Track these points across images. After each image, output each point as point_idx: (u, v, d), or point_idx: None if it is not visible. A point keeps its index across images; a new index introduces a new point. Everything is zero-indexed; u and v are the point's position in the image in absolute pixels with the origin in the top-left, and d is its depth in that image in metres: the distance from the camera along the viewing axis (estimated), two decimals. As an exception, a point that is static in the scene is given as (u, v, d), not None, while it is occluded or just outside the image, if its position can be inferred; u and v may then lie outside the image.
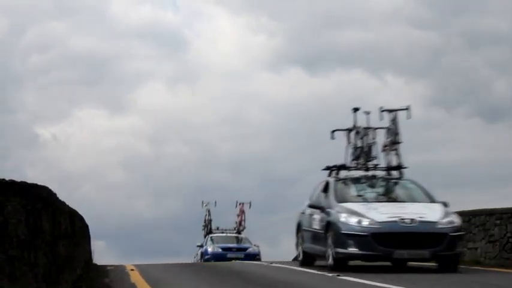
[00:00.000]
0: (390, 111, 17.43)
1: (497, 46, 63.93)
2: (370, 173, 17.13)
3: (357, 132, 17.47)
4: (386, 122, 17.46)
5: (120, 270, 17.51)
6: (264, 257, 31.75)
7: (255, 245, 33.92)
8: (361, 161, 17.25)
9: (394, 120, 17.34)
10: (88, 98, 72.36)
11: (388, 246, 14.55)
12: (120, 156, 70.32)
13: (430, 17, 63.95)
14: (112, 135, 72.07)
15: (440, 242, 14.64)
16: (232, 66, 71.15)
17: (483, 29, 62.15)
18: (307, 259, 17.22)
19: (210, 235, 35.65)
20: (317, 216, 16.27)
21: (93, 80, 70.51)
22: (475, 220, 17.85)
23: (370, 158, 17.27)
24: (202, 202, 38.49)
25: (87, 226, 17.84)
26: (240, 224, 36.73)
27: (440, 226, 14.81)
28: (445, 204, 15.69)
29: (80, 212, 15.33)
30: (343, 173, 17.26)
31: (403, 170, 17.04)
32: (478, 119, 66.71)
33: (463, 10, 64.88)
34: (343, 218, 15.03)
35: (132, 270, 17.16)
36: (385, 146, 17.38)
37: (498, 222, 17.29)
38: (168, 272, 17.13)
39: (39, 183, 8.20)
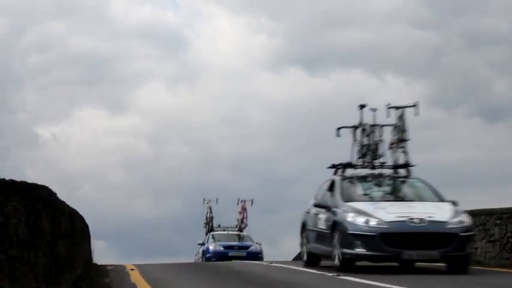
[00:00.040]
0: (397, 108, 17.01)
1: (497, 46, 64.02)
2: (376, 171, 16.74)
3: (363, 130, 17.06)
4: (393, 119, 17.07)
5: (120, 270, 17.45)
6: (264, 257, 31.55)
7: (257, 243, 33.36)
8: (368, 159, 16.85)
9: (401, 117, 16.93)
10: (88, 98, 72.49)
11: (397, 247, 14.16)
12: (120, 156, 70.43)
13: (430, 17, 64.04)
14: (112, 135, 72.19)
15: (450, 242, 14.25)
16: (232, 66, 71.29)
17: (483, 29, 62.21)
18: (312, 259, 16.83)
19: (212, 233, 35.14)
20: (323, 215, 15.88)
21: (93, 80, 70.64)
22: (475, 220, 17.44)
23: (376, 155, 16.87)
24: (204, 199, 38.17)
25: (87, 226, 17.80)
26: (242, 221, 36.21)
27: (450, 226, 14.42)
28: (454, 203, 15.30)
29: (80, 212, 15.32)
30: (348, 172, 16.89)
31: (411, 168, 16.64)
32: (478, 119, 66.74)
33: (463, 10, 64.97)
34: (350, 217, 14.64)
35: (132, 270, 17.11)
36: (392, 143, 16.97)
37: (498, 222, 17.09)
38: (168, 271, 17.05)
39: (39, 183, 8.21)
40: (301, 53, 68.53)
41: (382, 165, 16.81)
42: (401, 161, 16.81)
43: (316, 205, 16.34)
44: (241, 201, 36.66)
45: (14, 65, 67.20)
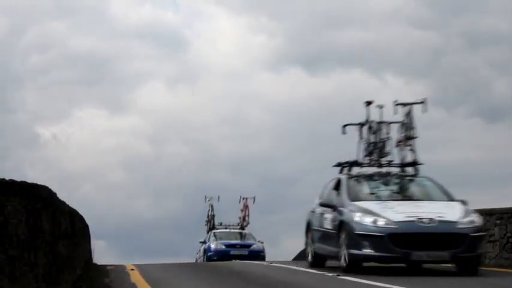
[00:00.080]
0: (405, 104, 16.59)
1: (497, 46, 64.08)
2: (383, 169, 16.33)
3: (370, 127, 16.64)
4: (400, 116, 16.65)
5: (120, 270, 17.37)
6: (266, 256, 31.13)
7: (259, 241, 32.73)
8: (375, 157, 16.43)
9: (408, 114, 16.50)
10: (88, 98, 72.56)
11: (406, 248, 13.75)
12: (120, 156, 70.42)
13: (430, 17, 64.09)
14: (112, 135, 72.18)
15: (460, 243, 13.84)
16: (232, 66, 71.25)
17: (483, 29, 62.17)
18: (317, 260, 16.41)
19: (213, 231, 34.56)
20: (329, 215, 15.47)
21: (93, 80, 70.68)
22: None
23: (383, 153, 16.45)
24: (205, 197, 37.67)
25: (87, 226, 17.74)
26: (244, 219, 35.71)
27: (460, 226, 14.01)
28: (464, 203, 14.89)
29: (80, 212, 15.28)
30: (355, 170, 16.49)
31: (419, 166, 16.23)
32: (478, 119, 66.76)
33: (463, 10, 65.00)
34: (357, 217, 14.24)
35: (132, 270, 17.03)
36: (399, 141, 16.54)
37: (498, 222, 16.86)
38: (168, 271, 16.96)
39: (39, 183, 8.24)
40: (301, 53, 68.71)
41: (390, 164, 16.39)
42: (408, 159, 16.39)
43: (322, 204, 15.93)
44: (243, 199, 36.23)
45: (14, 65, 67.50)
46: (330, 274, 13.95)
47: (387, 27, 66.07)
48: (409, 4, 65.02)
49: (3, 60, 67.12)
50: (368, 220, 14.07)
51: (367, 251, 13.97)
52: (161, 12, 77.12)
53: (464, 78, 63.38)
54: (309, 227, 16.95)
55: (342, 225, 14.60)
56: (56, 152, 67.52)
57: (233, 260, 26.57)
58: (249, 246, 32.00)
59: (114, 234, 59.78)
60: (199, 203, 37.85)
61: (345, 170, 16.51)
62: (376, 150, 16.48)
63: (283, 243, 50.78)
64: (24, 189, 7.28)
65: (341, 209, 14.91)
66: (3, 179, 6.65)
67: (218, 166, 65.91)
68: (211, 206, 37.09)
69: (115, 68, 70.89)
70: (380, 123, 16.64)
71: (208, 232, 35.46)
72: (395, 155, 16.56)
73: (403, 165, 16.35)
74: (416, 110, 16.63)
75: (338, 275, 13.53)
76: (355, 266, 14.19)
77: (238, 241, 32.72)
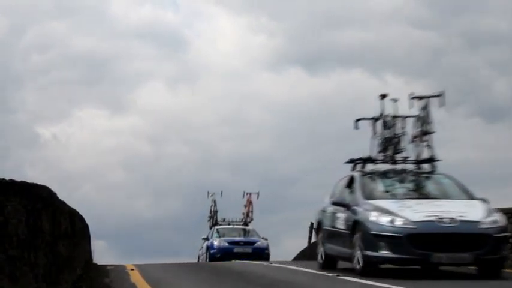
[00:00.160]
0: (421, 98, 15.71)
1: (497, 46, 64.11)
2: (398, 166, 15.48)
3: (384, 122, 15.79)
4: (416, 110, 15.78)
5: (120, 270, 17.39)
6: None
7: (263, 238, 31.76)
8: (389, 153, 15.58)
9: (425, 108, 15.63)
10: (88, 98, 72.74)
11: (425, 249, 12.93)
12: (120, 156, 70.41)
13: (430, 17, 64.12)
14: (112, 135, 72.16)
15: (483, 244, 13.03)
16: (232, 66, 71.36)
17: (483, 29, 62.16)
18: (328, 261, 15.59)
19: (216, 227, 33.68)
20: (341, 214, 14.65)
21: (93, 80, 70.90)
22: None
23: (398, 149, 15.60)
24: (208, 192, 36.94)
25: (87, 226, 17.74)
26: (248, 215, 34.84)
27: (483, 226, 13.18)
28: (485, 201, 14.07)
29: (80, 212, 15.28)
30: (368, 167, 15.65)
31: (436, 163, 15.38)
32: (478, 119, 66.54)
33: (463, 10, 65.01)
34: (372, 217, 13.43)
35: (132, 270, 17.05)
36: (415, 136, 15.66)
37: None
38: (168, 272, 16.94)
39: (39, 183, 8.32)
40: (301, 53, 68.84)
41: (405, 160, 15.54)
42: (424, 155, 15.54)
43: (335, 203, 15.10)
44: (247, 194, 35.42)
45: (14, 65, 67.87)
46: (330, 274, 13.76)
47: (387, 27, 66.26)
48: (409, 4, 65.27)
49: (3, 60, 67.62)
50: (385, 220, 13.27)
51: (384, 252, 13.17)
52: (161, 12, 77.46)
53: (464, 78, 63.21)
54: (319, 226, 16.16)
55: (356, 225, 13.80)
56: (56, 152, 67.87)
57: (233, 260, 25.83)
58: (253, 243, 31.01)
59: (114, 234, 59.75)
60: (199, 203, 37.43)
61: (358, 167, 15.67)
62: (390, 146, 15.62)
63: (283, 243, 50.40)
64: (24, 189, 7.35)
65: (355, 208, 14.11)
66: (3, 179, 6.72)
67: (218, 166, 65.75)
68: (214, 202, 36.32)
69: (115, 68, 71.17)
70: (395, 117, 15.78)
71: (211, 228, 34.66)
72: (410, 151, 15.73)
73: (419, 161, 15.50)
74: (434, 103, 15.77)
75: (338, 275, 13.25)
76: (371, 269, 13.38)
77: (241, 238, 31.73)
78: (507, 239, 13.81)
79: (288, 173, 63.07)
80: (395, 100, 15.96)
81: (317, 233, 16.38)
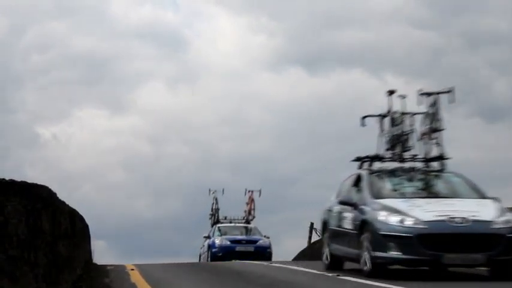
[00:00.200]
0: (429, 94, 15.30)
1: (497, 46, 63.89)
2: (407, 164, 15.08)
3: (392, 119, 15.38)
4: (424, 106, 15.36)
5: (120, 270, 17.37)
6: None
7: (265, 236, 31.33)
8: (397, 151, 15.17)
9: (434, 105, 15.21)
10: (88, 98, 72.57)
11: (436, 250, 12.54)
12: (120, 156, 70.31)
13: (430, 17, 63.89)
14: (112, 135, 72.06)
15: (496, 244, 12.63)
16: (232, 66, 71.17)
17: (483, 29, 61.84)
18: (334, 262, 15.20)
19: (218, 225, 33.25)
20: (348, 214, 14.25)
21: (93, 80, 70.74)
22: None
23: (406, 147, 15.19)
24: (209, 190, 36.69)
25: (87, 226, 17.68)
26: (250, 213, 34.46)
27: (496, 226, 12.79)
28: (497, 200, 13.67)
29: (80, 212, 15.24)
30: (375, 165, 15.25)
31: (446, 161, 14.97)
32: (478, 119, 66.11)
33: (463, 10, 64.75)
34: (381, 216, 13.03)
35: (132, 270, 17.04)
36: (424, 134, 15.25)
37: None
38: (168, 272, 16.90)
39: (39, 183, 8.36)
40: (301, 53, 68.58)
41: (413, 158, 15.14)
42: (433, 153, 15.14)
43: (341, 202, 14.69)
44: (249, 192, 35.08)
45: (14, 65, 67.72)
46: (330, 274, 13.71)
47: (387, 27, 66.07)
48: (409, 4, 65.10)
49: (3, 60, 67.44)
50: (394, 219, 12.88)
51: (393, 253, 12.77)
52: (161, 12, 77.29)
53: (464, 78, 62.86)
54: (325, 226, 15.76)
55: (364, 225, 13.41)
56: (56, 152, 67.75)
57: (233, 260, 25.49)
58: (255, 242, 30.57)
59: (114, 234, 59.62)
60: (199, 203, 37.24)
61: (365, 165, 15.27)
62: (398, 143, 15.22)
63: (283, 243, 50.16)
64: (24, 189, 7.38)
65: (363, 207, 13.71)
66: (3, 179, 6.76)
67: (218, 166, 65.53)
68: (216, 199, 36.03)
69: (115, 68, 71.05)
70: (403, 114, 15.38)
71: (212, 226, 34.26)
72: (418, 148, 15.32)
73: (428, 159, 15.10)
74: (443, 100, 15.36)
75: (338, 275, 13.15)
76: (380, 270, 12.98)
77: (243, 237, 31.30)
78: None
79: (288, 173, 62.99)
80: (403, 96, 15.58)
81: (323, 233, 15.97)
